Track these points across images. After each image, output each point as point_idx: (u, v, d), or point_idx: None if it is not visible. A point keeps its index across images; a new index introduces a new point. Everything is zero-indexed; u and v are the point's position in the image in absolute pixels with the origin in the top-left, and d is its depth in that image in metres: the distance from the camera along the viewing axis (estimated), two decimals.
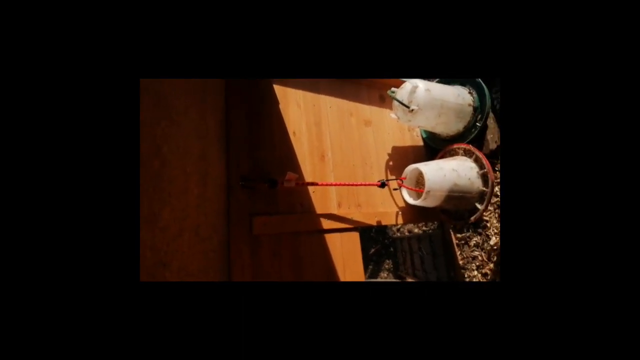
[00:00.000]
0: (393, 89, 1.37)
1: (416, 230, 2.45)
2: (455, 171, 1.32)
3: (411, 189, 1.36)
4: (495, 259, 1.48)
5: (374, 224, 1.37)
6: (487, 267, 1.51)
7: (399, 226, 2.73)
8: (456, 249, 1.64)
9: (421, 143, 1.67)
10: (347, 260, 1.26)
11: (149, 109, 0.66)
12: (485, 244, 1.52)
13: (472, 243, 1.58)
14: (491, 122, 1.42)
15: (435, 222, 1.96)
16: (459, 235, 1.63)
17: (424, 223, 2.29)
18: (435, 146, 1.59)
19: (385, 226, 2.83)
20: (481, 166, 1.37)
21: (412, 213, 1.49)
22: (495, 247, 1.48)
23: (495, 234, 1.48)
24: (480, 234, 1.55)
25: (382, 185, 1.30)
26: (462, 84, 1.47)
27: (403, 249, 2.64)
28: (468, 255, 1.60)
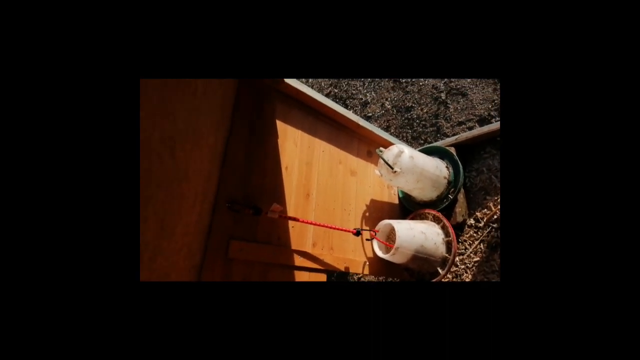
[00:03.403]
0: (382, 148, 1.51)
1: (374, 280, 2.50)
2: (423, 233, 1.44)
3: (383, 242, 1.45)
4: None
5: (342, 269, 1.41)
6: None
7: (360, 276, 2.77)
8: None
9: (397, 201, 1.80)
10: None
11: (180, 133, 0.70)
12: None
13: None
14: (461, 197, 1.58)
15: (397, 279, 2.04)
16: None
17: (384, 278, 2.36)
18: (409, 207, 1.72)
19: (348, 273, 2.85)
20: (447, 234, 1.50)
21: (378, 266, 1.56)
22: None
23: None
24: None
25: (357, 233, 1.38)
26: (442, 158, 1.65)
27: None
28: None
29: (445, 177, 1.58)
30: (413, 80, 2.64)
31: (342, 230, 1.38)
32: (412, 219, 1.62)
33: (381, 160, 1.47)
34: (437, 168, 1.55)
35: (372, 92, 3.05)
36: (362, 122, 1.59)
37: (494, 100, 2.01)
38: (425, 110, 2.45)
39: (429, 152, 1.65)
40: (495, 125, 1.57)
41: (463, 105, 2.18)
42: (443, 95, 2.35)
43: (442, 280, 1.56)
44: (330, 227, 1.35)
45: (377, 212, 1.67)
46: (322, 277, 1.33)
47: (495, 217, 1.50)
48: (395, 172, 1.43)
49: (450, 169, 1.61)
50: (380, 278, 2.39)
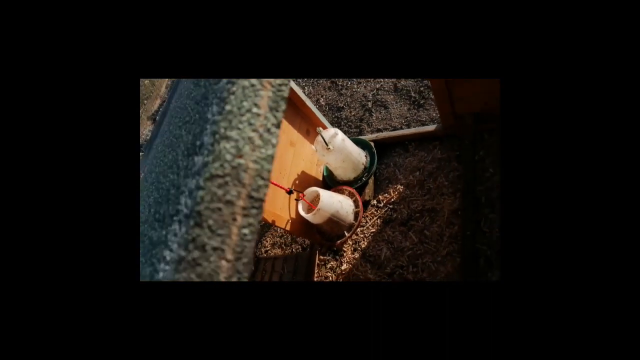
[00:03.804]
0: (320, 128, 1.78)
1: (281, 253, 2.74)
2: (340, 202, 1.76)
3: (308, 203, 1.70)
4: (341, 280, 1.91)
5: (270, 221, 1.60)
6: None
7: (268, 249, 2.96)
8: (315, 269, 2.00)
9: (321, 179, 2.09)
10: None
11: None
12: (338, 269, 1.95)
13: (328, 266, 1.98)
14: (371, 181, 1.98)
15: (305, 242, 2.32)
16: (321, 257, 2.02)
17: (291, 249, 2.62)
18: (330, 184, 2.04)
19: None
20: (356, 206, 1.86)
21: (297, 226, 1.81)
22: (343, 272, 1.92)
23: (347, 262, 1.93)
24: (336, 260, 1.97)
25: (290, 192, 1.59)
26: (363, 149, 2.02)
27: (265, 269, 2.84)
28: (322, 275, 1.98)
29: (363, 164, 1.95)
30: (348, 85, 3.04)
31: (278, 185, 1.57)
32: (333, 192, 1.93)
33: (319, 137, 1.74)
34: (359, 155, 1.91)
35: (310, 87, 3.33)
36: (308, 103, 1.83)
37: (407, 117, 2.53)
38: (353, 113, 2.86)
39: (355, 141, 2.00)
40: (405, 131, 2.03)
41: (383, 116, 2.66)
42: (369, 104, 2.80)
43: (345, 242, 1.91)
44: (271, 182, 1.53)
45: (305, 183, 1.92)
46: None
47: (392, 200, 1.93)
48: (328, 149, 1.71)
49: (368, 158, 2.00)
50: (285, 249, 2.65)
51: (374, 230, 1.92)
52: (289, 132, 1.80)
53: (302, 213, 1.70)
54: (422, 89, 2.58)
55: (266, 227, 2.72)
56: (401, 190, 1.93)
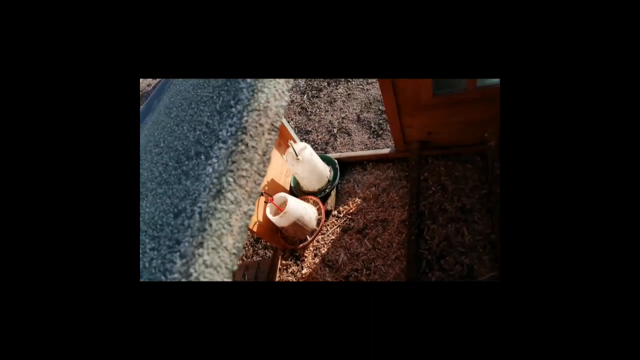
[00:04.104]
0: (291, 141, 2.00)
1: (245, 259, 2.79)
2: (305, 208, 1.94)
3: (276, 206, 1.86)
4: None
5: None
6: None
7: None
8: (277, 273, 2.11)
9: (288, 188, 2.28)
10: None
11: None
12: (298, 273, 2.08)
13: (290, 270, 2.11)
14: (333, 193, 2.20)
15: (269, 250, 2.42)
16: (283, 262, 2.14)
17: (253, 256, 2.69)
18: (297, 194, 2.23)
19: None
20: (319, 214, 2.05)
21: (263, 229, 1.94)
22: (304, 276, 2.05)
23: (308, 266, 2.08)
24: (297, 265, 2.11)
25: (261, 193, 1.75)
26: (328, 164, 2.27)
27: None
28: (283, 279, 2.09)
29: (327, 177, 2.18)
30: (316, 112, 3.36)
31: None
32: (300, 199, 2.12)
33: (290, 149, 1.95)
34: (325, 168, 2.15)
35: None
36: (282, 119, 2.06)
37: (367, 144, 2.87)
38: (320, 137, 3.15)
39: (321, 157, 2.24)
40: (364, 152, 2.33)
41: (347, 141, 2.98)
42: (335, 130, 3.12)
43: (307, 247, 2.07)
44: None
45: (274, 190, 2.08)
46: None
47: (351, 211, 2.16)
48: (298, 159, 1.93)
49: (332, 172, 2.24)
50: (250, 256, 2.71)
51: (333, 237, 2.11)
52: None
53: (269, 216, 1.85)
54: (381, 121, 2.96)
55: None
56: (359, 202, 2.18)
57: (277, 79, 0.54)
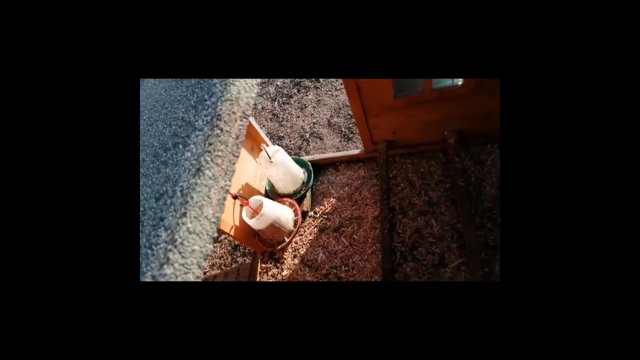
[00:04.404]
0: (264, 145, 2.04)
1: (224, 268, 2.75)
2: (281, 210, 1.98)
3: (252, 209, 1.89)
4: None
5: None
6: None
7: (206, 271, 2.92)
8: (258, 277, 2.12)
9: (263, 192, 2.30)
10: None
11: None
12: (279, 275, 2.10)
13: (270, 273, 2.12)
14: (308, 195, 2.26)
15: (248, 257, 2.42)
16: (263, 265, 2.15)
17: (232, 263, 2.67)
18: (272, 197, 2.26)
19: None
20: (296, 215, 2.09)
21: (240, 232, 1.95)
22: (284, 278, 2.08)
23: (287, 268, 2.10)
24: (277, 267, 2.13)
25: (235, 197, 1.77)
26: (302, 166, 2.33)
27: None
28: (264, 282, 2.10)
29: (301, 179, 2.24)
30: (288, 117, 3.42)
31: None
32: (276, 202, 2.15)
33: (263, 152, 1.99)
34: (298, 170, 2.20)
35: (253, 117, 3.63)
36: (253, 123, 2.10)
37: (338, 147, 2.96)
38: (292, 142, 3.21)
39: (295, 161, 2.30)
40: (336, 154, 2.41)
41: (319, 145, 3.06)
42: (307, 135, 3.19)
43: (285, 248, 2.10)
44: None
45: (249, 194, 2.10)
46: None
47: (326, 211, 2.23)
48: (271, 162, 1.97)
49: (306, 174, 2.30)
50: (229, 264, 2.69)
51: (311, 237, 2.16)
52: None
53: (245, 219, 1.87)
54: (350, 125, 3.08)
55: None
56: (334, 202, 2.25)
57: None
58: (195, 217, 0.40)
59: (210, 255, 2.70)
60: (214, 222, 0.42)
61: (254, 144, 2.20)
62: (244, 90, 0.54)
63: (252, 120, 2.06)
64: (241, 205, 1.91)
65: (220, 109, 0.50)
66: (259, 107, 3.63)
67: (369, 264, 1.97)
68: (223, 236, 2.67)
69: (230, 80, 0.55)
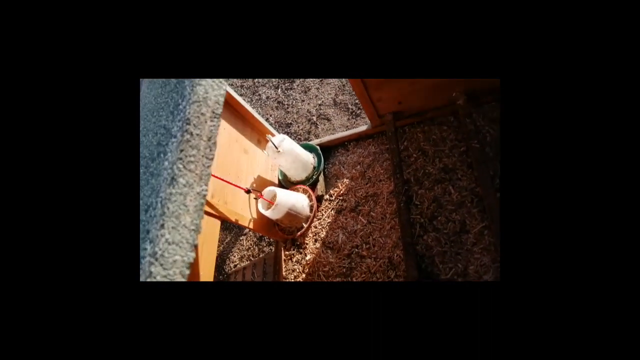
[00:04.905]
0: (269, 135, 2.04)
1: (252, 259, 2.86)
2: (296, 198, 2.00)
3: (266, 200, 1.92)
4: (307, 270, 2.10)
5: (233, 220, 1.78)
6: (301, 278, 2.10)
7: (236, 263, 3.04)
8: (283, 264, 2.18)
9: (277, 182, 2.32)
10: (204, 243, 1.58)
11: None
12: (303, 260, 2.15)
13: (294, 259, 2.17)
14: (321, 179, 2.26)
15: (271, 248, 2.49)
16: (286, 253, 2.21)
17: (259, 254, 2.76)
18: (285, 185, 2.28)
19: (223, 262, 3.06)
20: (311, 201, 2.11)
21: (258, 223, 2.00)
22: (308, 262, 2.12)
23: (310, 252, 2.14)
24: (300, 252, 2.17)
25: (248, 191, 1.80)
26: (310, 151, 2.31)
27: (235, 279, 2.91)
28: (290, 269, 2.16)
29: (312, 164, 2.23)
30: (293, 103, 3.38)
31: (236, 186, 1.77)
32: (289, 190, 2.17)
33: (269, 143, 1.99)
34: (308, 156, 2.19)
35: (259, 108, 3.63)
36: (256, 115, 2.09)
37: (347, 126, 2.90)
38: (301, 127, 3.18)
39: (302, 146, 2.29)
40: (343, 133, 2.37)
41: (328, 127, 3.01)
42: (314, 118, 3.15)
43: (305, 234, 2.13)
44: (228, 182, 1.73)
45: (263, 186, 2.13)
46: (216, 223, 1.66)
47: (341, 192, 2.22)
48: (279, 152, 1.97)
49: (316, 159, 2.29)
50: (255, 255, 2.78)
51: (329, 220, 2.17)
52: (241, 141, 2.03)
53: (262, 210, 1.91)
54: (357, 101, 3.00)
55: (232, 242, 2.84)
56: (347, 182, 2.23)
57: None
58: (173, 228, 0.40)
59: (238, 248, 2.81)
60: (193, 230, 0.43)
61: (260, 136, 2.20)
62: (212, 89, 0.54)
63: (254, 112, 2.05)
64: (256, 199, 1.95)
65: (189, 112, 0.50)
66: (263, 97, 3.61)
67: (390, 239, 1.96)
68: (246, 229, 2.75)
69: (196, 80, 0.54)
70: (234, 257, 2.78)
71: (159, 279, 0.40)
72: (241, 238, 2.84)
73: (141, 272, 0.42)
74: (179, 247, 0.40)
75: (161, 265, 0.39)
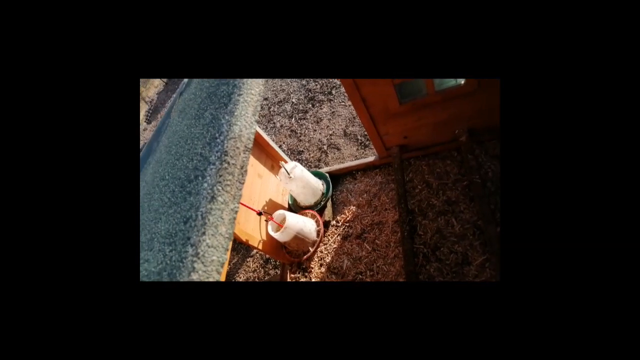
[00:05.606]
0: (282, 162, 2.19)
1: (257, 280, 2.90)
2: (304, 222, 2.10)
3: (276, 223, 2.02)
4: None
5: (244, 240, 1.88)
6: None
7: (256, 250, 3.09)
8: None
9: (287, 206, 2.44)
10: None
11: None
12: None
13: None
14: (329, 205, 2.36)
15: (276, 271, 2.55)
16: (292, 276, 2.27)
17: (265, 276, 2.81)
18: (295, 210, 2.39)
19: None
20: (318, 226, 2.20)
21: (267, 245, 2.09)
22: None
23: (315, 276, 2.20)
24: (305, 276, 2.23)
25: (260, 213, 1.91)
26: (320, 178, 2.44)
27: None
28: None
29: (321, 190, 2.35)
30: (305, 132, 3.58)
31: (249, 207, 1.89)
32: (298, 214, 2.27)
33: (282, 169, 2.13)
34: (317, 182, 2.32)
35: (273, 136, 3.83)
36: (271, 143, 2.26)
37: (356, 155, 3.05)
38: (312, 155, 3.35)
39: (313, 174, 2.42)
40: (352, 163, 2.50)
41: (337, 156, 3.17)
42: (325, 147, 3.31)
43: (311, 258, 2.20)
44: (243, 204, 1.85)
45: (273, 209, 2.25)
46: None
47: (348, 219, 2.31)
48: (290, 177, 2.10)
49: (325, 185, 2.41)
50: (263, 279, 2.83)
51: (335, 246, 2.25)
52: (256, 166, 2.18)
53: (271, 233, 2.00)
54: (366, 133, 3.16)
55: (238, 264, 2.91)
56: (354, 210, 2.33)
57: (246, 113, 0.73)
58: (212, 235, 0.51)
59: (244, 270, 2.87)
60: (227, 237, 0.54)
61: (273, 162, 2.35)
62: (245, 128, 0.67)
63: (269, 140, 2.22)
64: (266, 221, 2.05)
65: (227, 146, 0.62)
66: (277, 125, 3.83)
67: (393, 267, 2.01)
68: (254, 251, 2.83)
69: (233, 120, 0.68)
70: (240, 277, 2.84)
71: (200, 273, 0.50)
72: (248, 260, 2.91)
73: (184, 268, 0.52)
74: (216, 250, 0.50)
75: (202, 263, 0.49)
